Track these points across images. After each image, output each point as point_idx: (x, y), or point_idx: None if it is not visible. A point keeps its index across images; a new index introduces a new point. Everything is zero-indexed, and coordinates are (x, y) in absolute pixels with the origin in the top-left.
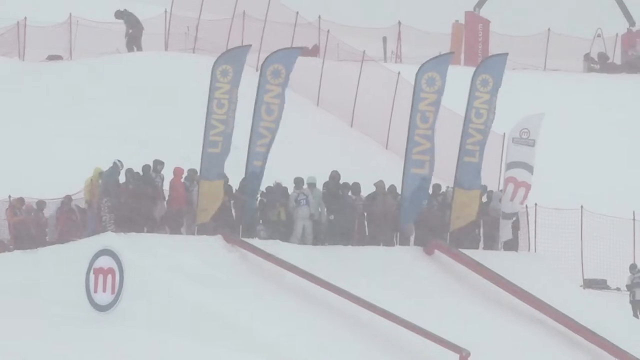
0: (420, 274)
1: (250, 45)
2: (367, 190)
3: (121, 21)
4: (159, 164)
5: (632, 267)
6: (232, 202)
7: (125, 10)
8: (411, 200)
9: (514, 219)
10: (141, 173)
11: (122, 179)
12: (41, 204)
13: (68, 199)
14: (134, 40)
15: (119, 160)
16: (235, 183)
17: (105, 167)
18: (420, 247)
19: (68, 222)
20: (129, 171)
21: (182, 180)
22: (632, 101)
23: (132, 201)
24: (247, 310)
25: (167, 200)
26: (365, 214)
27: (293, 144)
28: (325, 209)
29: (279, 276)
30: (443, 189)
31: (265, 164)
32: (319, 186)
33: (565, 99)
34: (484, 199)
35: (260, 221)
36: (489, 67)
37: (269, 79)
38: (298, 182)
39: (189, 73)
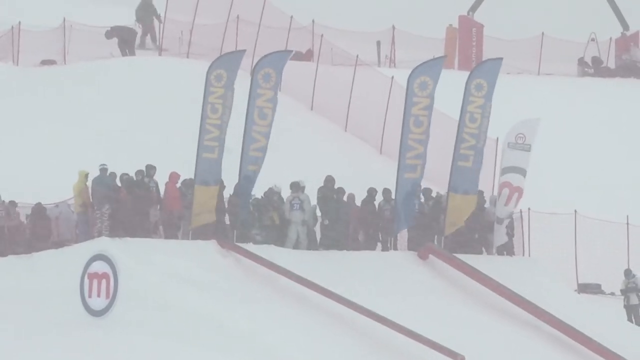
0: (415, 278)
1: (245, 50)
2: (359, 194)
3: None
4: (151, 168)
5: (627, 272)
6: (226, 207)
7: (113, 26)
8: (404, 205)
9: (508, 221)
10: (134, 179)
11: (111, 182)
12: (41, 207)
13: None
14: (125, 43)
15: (104, 165)
16: (229, 187)
17: (91, 170)
18: (414, 251)
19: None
20: (124, 176)
21: (178, 186)
22: (626, 105)
23: (127, 207)
24: (241, 314)
25: (161, 205)
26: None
27: (287, 148)
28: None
29: (273, 281)
30: (433, 193)
31: (261, 168)
32: (314, 191)
33: (559, 103)
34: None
35: (256, 226)
36: (484, 72)
37: (260, 83)
38: (294, 186)
39: (183, 77)
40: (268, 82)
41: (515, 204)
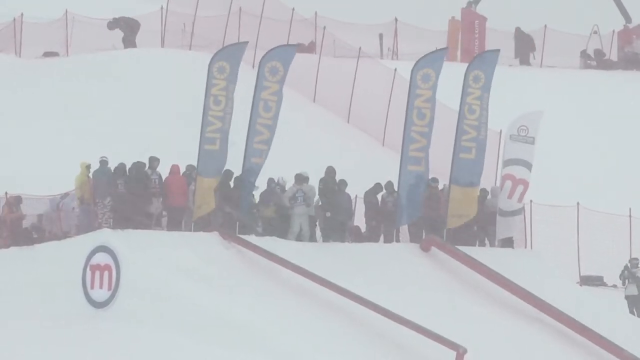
0: (417, 270)
1: (247, 42)
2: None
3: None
4: (154, 160)
5: (633, 261)
6: (229, 198)
7: (117, 17)
8: (408, 197)
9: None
10: (134, 170)
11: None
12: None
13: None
14: (127, 34)
15: (104, 157)
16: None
17: (93, 162)
18: (416, 243)
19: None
20: (129, 167)
21: (182, 176)
22: (629, 98)
23: (129, 199)
24: (243, 306)
25: (164, 197)
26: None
27: (289, 140)
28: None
29: (275, 272)
30: (441, 186)
31: (265, 160)
32: (315, 182)
33: (561, 95)
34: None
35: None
36: (481, 63)
37: (266, 76)
38: (298, 178)
39: (185, 70)
40: (275, 75)
41: (520, 198)
